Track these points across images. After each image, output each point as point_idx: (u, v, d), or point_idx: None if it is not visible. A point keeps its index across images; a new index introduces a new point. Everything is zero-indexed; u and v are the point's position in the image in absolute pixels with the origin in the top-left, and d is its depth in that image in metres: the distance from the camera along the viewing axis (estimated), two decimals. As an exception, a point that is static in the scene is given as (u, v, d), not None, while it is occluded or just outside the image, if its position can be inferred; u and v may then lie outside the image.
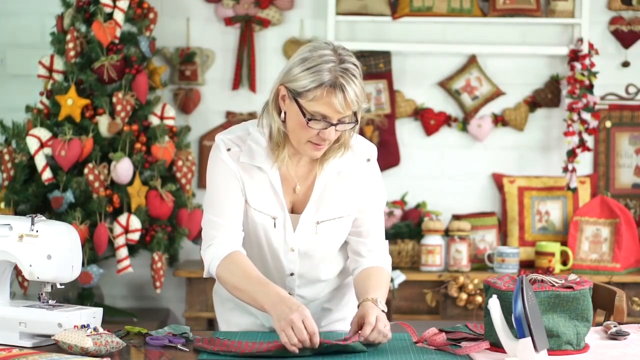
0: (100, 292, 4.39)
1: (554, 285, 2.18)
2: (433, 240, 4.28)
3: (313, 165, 2.43)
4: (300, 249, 2.45)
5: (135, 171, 4.09)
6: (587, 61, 4.39)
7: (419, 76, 4.56)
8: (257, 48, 4.54)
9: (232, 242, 2.39)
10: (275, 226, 2.42)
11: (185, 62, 4.50)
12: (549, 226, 4.49)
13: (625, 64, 4.54)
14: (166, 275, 4.20)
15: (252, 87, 4.51)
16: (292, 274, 2.48)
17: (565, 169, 4.40)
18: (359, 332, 2.23)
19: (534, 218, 4.48)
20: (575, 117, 4.38)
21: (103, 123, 4.07)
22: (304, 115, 2.28)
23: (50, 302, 2.30)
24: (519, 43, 4.52)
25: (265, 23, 4.51)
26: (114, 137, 4.11)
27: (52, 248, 2.24)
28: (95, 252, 4.03)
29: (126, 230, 4.03)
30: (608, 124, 4.54)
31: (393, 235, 4.36)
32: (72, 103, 4.05)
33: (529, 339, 1.96)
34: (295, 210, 2.44)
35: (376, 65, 4.49)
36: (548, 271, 4.21)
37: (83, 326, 2.16)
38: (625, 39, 4.52)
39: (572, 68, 4.41)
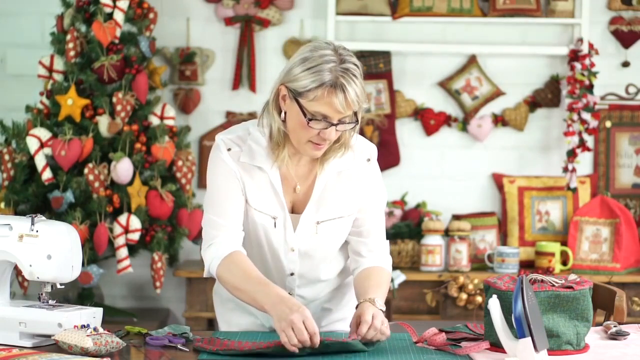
0: (100, 292, 4.39)
1: (554, 285, 2.18)
2: (433, 240, 4.28)
3: (313, 165, 2.43)
4: (300, 249, 2.45)
5: (135, 171, 4.09)
6: (587, 61, 4.39)
7: (419, 76, 4.56)
8: (257, 48, 4.54)
9: (233, 242, 2.39)
10: (275, 226, 2.42)
11: (185, 62, 4.50)
12: (549, 226, 4.49)
13: (625, 64, 4.54)
14: (166, 275, 4.20)
15: (252, 87, 4.51)
16: (292, 274, 2.48)
17: (565, 169, 4.40)
18: (357, 331, 2.23)
19: (534, 218, 4.48)
20: (575, 117, 4.38)
21: (103, 123, 4.07)
22: (305, 115, 2.28)
23: (50, 302, 2.29)
24: (519, 43, 4.52)
25: (265, 23, 4.51)
26: (114, 137, 4.11)
27: (52, 248, 2.24)
28: (95, 252, 4.03)
29: (126, 230, 4.03)
30: (608, 124, 4.54)
31: (393, 235, 4.36)
32: (72, 103, 4.05)
33: (529, 339, 1.96)
34: (295, 210, 2.44)
35: (376, 65, 4.49)
36: (548, 271, 4.21)
37: (83, 326, 2.16)
38: (625, 39, 4.52)
39: (572, 68, 4.41)
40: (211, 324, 4.29)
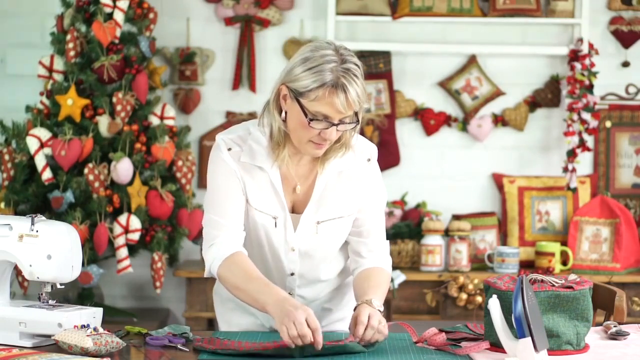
0: (100, 292, 4.39)
1: (554, 285, 2.18)
2: (433, 240, 4.28)
3: (314, 165, 2.43)
4: (300, 249, 2.45)
5: (135, 171, 4.09)
6: (587, 61, 4.39)
7: (419, 76, 4.56)
8: (257, 48, 4.54)
9: (234, 242, 2.39)
10: (276, 226, 2.42)
11: (185, 62, 4.50)
12: (549, 226, 4.49)
13: (625, 64, 4.54)
14: (166, 275, 4.20)
15: (252, 87, 4.51)
16: (292, 274, 2.48)
17: (565, 169, 4.40)
18: (354, 333, 2.23)
19: (534, 218, 4.48)
20: (575, 117, 4.38)
21: (103, 123, 4.07)
22: (306, 115, 2.28)
23: (50, 302, 2.29)
24: (519, 43, 4.52)
25: (265, 23, 4.51)
26: (114, 137, 4.11)
27: (52, 248, 2.24)
28: (95, 252, 4.03)
29: (126, 230, 4.03)
30: (608, 124, 4.54)
31: (393, 235, 4.36)
32: (72, 103, 4.05)
33: (529, 339, 1.96)
34: (295, 210, 2.44)
35: (376, 65, 4.49)
36: (548, 271, 4.21)
37: (83, 326, 2.16)
38: (625, 39, 4.52)
39: (572, 68, 4.41)
40: (211, 324, 4.29)
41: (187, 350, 2.22)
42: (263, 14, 4.50)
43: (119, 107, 4.07)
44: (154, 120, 4.19)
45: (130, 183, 4.08)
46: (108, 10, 4.11)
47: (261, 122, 2.40)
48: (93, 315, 2.26)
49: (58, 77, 4.15)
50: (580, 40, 4.41)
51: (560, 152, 4.53)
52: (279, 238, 2.43)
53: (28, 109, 4.15)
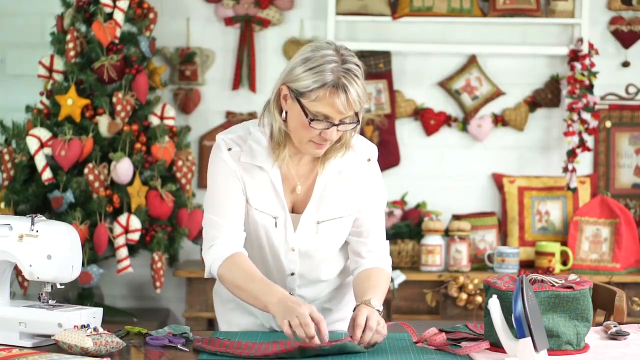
0: (100, 292, 4.39)
1: (554, 285, 2.18)
2: (433, 240, 4.28)
3: (314, 165, 2.43)
4: (300, 249, 2.45)
5: (135, 171, 4.09)
6: (587, 61, 4.39)
7: (419, 76, 4.56)
8: (257, 48, 4.54)
9: (234, 242, 2.39)
10: (276, 226, 2.42)
11: (185, 62, 4.50)
12: (549, 226, 4.49)
13: (625, 64, 4.54)
14: (166, 275, 4.20)
15: (252, 87, 4.51)
16: (292, 274, 2.48)
17: (565, 169, 4.40)
18: (352, 335, 2.22)
19: (534, 218, 4.48)
20: (575, 117, 4.38)
21: (103, 123, 4.07)
22: (306, 115, 2.27)
23: (50, 302, 2.29)
24: (519, 43, 4.52)
25: (265, 23, 4.51)
26: (114, 137, 4.11)
27: (52, 248, 2.24)
28: (95, 252, 4.03)
29: (126, 230, 4.03)
30: (608, 124, 4.54)
31: (393, 235, 4.36)
32: (72, 103, 4.05)
33: (529, 339, 1.96)
34: (295, 210, 2.44)
35: (376, 65, 4.49)
36: (548, 271, 4.21)
37: (83, 326, 2.16)
38: (625, 39, 4.52)
39: (572, 68, 4.41)
40: (211, 324, 4.29)
41: (187, 350, 2.22)
42: (263, 14, 4.50)
43: (119, 107, 4.07)
44: (154, 120, 4.19)
45: (130, 183, 4.08)
46: (108, 10, 4.11)
47: (261, 122, 2.40)
48: (93, 315, 2.26)
49: (58, 77, 4.15)
50: (580, 40, 4.41)
51: (560, 152, 4.53)
52: (279, 238, 2.43)
53: (28, 109, 4.15)
